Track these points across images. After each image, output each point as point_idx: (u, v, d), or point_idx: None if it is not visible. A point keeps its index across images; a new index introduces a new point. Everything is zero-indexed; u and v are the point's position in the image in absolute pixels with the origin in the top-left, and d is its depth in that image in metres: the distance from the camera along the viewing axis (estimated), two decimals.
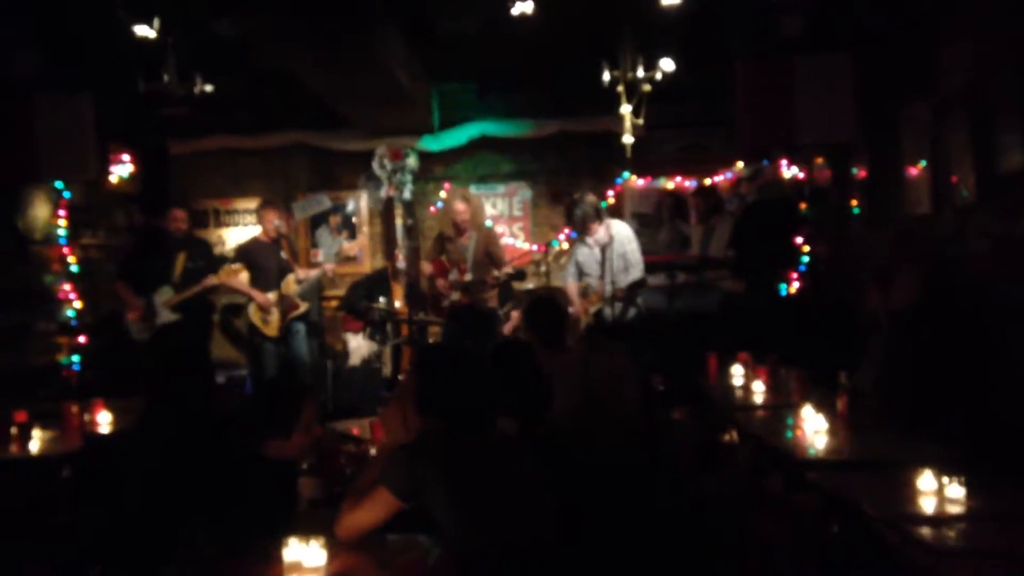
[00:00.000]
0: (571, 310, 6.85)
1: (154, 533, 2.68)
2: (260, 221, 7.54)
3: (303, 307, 7.50)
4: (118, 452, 3.12)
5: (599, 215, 6.69)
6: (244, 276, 7.31)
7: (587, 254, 6.79)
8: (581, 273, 6.94)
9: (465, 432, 2.57)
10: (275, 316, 7.29)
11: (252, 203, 9.22)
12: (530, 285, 8.45)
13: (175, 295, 6.88)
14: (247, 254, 7.38)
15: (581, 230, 6.71)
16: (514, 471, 2.58)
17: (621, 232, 6.85)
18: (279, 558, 2.38)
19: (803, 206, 7.24)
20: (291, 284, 7.33)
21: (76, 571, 2.83)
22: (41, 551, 2.86)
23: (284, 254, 7.43)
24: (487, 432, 2.61)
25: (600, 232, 6.64)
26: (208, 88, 6.42)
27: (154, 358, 3.34)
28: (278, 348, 7.38)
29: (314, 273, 7.81)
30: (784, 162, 7.59)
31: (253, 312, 7.28)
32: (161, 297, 6.86)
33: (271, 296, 7.24)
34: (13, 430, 4.13)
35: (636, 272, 6.73)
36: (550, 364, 3.48)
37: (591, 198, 6.78)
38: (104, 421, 4.51)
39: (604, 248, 6.58)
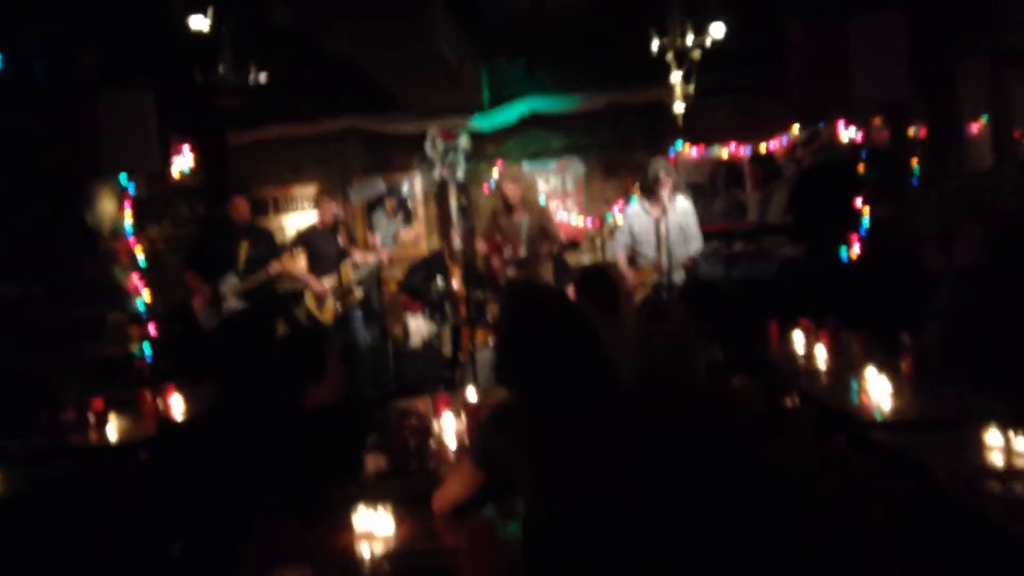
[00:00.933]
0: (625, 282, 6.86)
1: (230, 509, 2.77)
2: (318, 208, 7.66)
3: (358, 293, 7.60)
4: (193, 433, 3.23)
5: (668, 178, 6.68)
6: (302, 263, 7.43)
7: (646, 222, 6.72)
8: (633, 243, 6.89)
9: (542, 403, 2.54)
10: (330, 302, 7.40)
11: (309, 189, 9.38)
12: (586, 259, 8.46)
13: (240, 283, 7.02)
14: (306, 240, 7.50)
15: (651, 192, 6.66)
16: (601, 441, 2.52)
17: (682, 204, 6.81)
18: (351, 526, 2.47)
19: (861, 168, 7.11)
20: (348, 271, 7.44)
21: (159, 548, 2.94)
22: (125, 530, 2.98)
23: (342, 240, 7.53)
24: (571, 402, 2.55)
25: (664, 199, 6.63)
26: (262, 77, 6.55)
27: (225, 344, 3.46)
28: (335, 334, 7.49)
29: (371, 259, 7.90)
30: (841, 124, 7.46)
31: (309, 299, 7.41)
32: (227, 285, 7.01)
33: (326, 282, 7.35)
34: (91, 418, 4.28)
35: (696, 244, 6.71)
36: (606, 330, 3.50)
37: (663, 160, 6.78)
38: (177, 407, 4.65)
39: (661, 217, 6.56)
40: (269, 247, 7.32)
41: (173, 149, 7.81)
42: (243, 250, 7.07)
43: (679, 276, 6.73)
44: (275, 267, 7.11)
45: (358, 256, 7.71)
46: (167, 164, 7.44)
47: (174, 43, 6.04)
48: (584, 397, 2.54)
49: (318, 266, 7.38)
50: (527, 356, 2.59)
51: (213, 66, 6.27)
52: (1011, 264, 4.27)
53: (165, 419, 4.42)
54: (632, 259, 6.91)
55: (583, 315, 2.84)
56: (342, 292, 7.41)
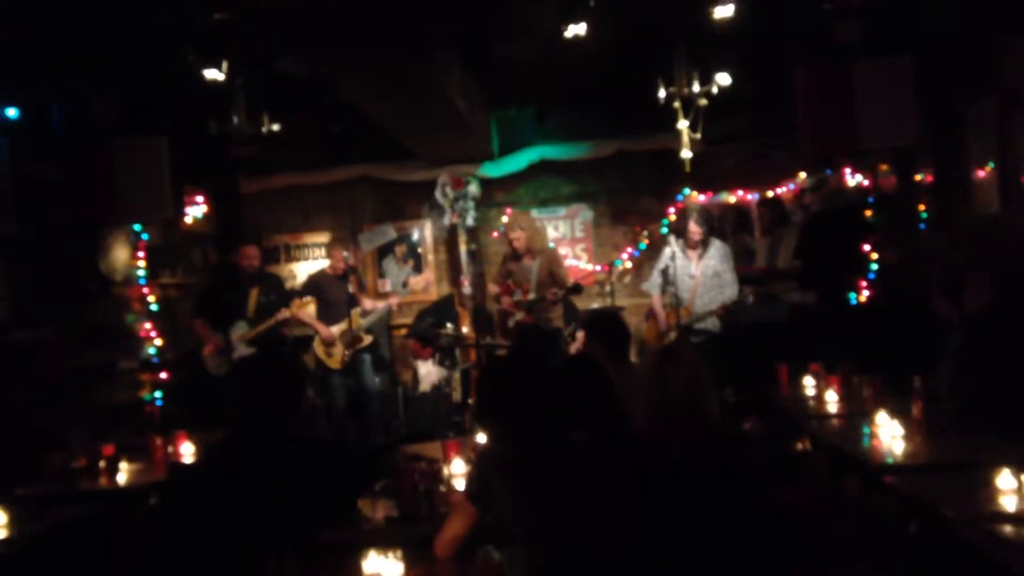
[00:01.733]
0: (657, 322, 6.99)
1: (243, 551, 2.77)
2: (329, 255, 7.70)
3: (367, 340, 7.61)
4: (203, 476, 3.23)
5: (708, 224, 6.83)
6: (311, 309, 7.45)
7: (680, 265, 6.78)
8: (666, 284, 6.92)
9: (523, 440, 2.58)
10: (339, 349, 7.41)
11: (321, 237, 9.46)
12: (595, 304, 8.47)
13: (250, 330, 7.05)
14: (316, 287, 7.53)
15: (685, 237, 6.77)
16: (590, 479, 2.56)
17: (718, 249, 6.90)
18: (360, 572, 2.46)
19: (869, 213, 7.13)
20: (356, 318, 7.46)
21: None
22: (135, 573, 2.98)
23: (351, 287, 7.57)
24: (553, 441, 2.61)
25: (698, 247, 6.76)
26: (276, 127, 6.65)
27: (235, 389, 3.46)
28: (344, 380, 7.49)
29: (381, 305, 7.91)
30: (848, 170, 7.50)
31: (317, 345, 7.42)
32: (236, 332, 7.05)
33: (335, 329, 7.36)
34: (102, 463, 4.30)
35: (731, 291, 6.78)
36: (616, 376, 3.50)
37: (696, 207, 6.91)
38: (187, 452, 4.67)
39: (699, 260, 6.70)
40: (279, 293, 7.37)
41: (187, 198, 7.90)
42: (252, 297, 7.12)
43: (712, 322, 6.78)
44: (283, 314, 7.14)
45: (367, 303, 7.73)
46: (181, 212, 7.52)
47: (189, 93, 6.14)
48: (558, 438, 2.59)
49: (327, 313, 7.41)
50: (497, 396, 2.65)
51: (227, 116, 6.37)
52: (1020, 308, 4.27)
53: (175, 463, 4.44)
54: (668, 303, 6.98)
55: (591, 359, 2.87)
56: (350, 339, 7.43)
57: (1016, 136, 4.78)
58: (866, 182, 7.33)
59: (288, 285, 8.74)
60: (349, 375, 7.54)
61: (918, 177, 6.39)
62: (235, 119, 6.40)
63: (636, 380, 3.65)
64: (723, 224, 8.44)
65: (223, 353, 6.97)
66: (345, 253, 7.51)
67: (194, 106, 6.57)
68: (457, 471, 3.68)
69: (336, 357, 7.41)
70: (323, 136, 8.97)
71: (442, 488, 3.46)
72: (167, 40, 5.60)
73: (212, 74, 5.66)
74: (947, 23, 5.66)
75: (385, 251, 9.52)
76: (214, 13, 5.04)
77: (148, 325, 7.31)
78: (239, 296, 7.09)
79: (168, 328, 7.54)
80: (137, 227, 7.23)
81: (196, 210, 8.14)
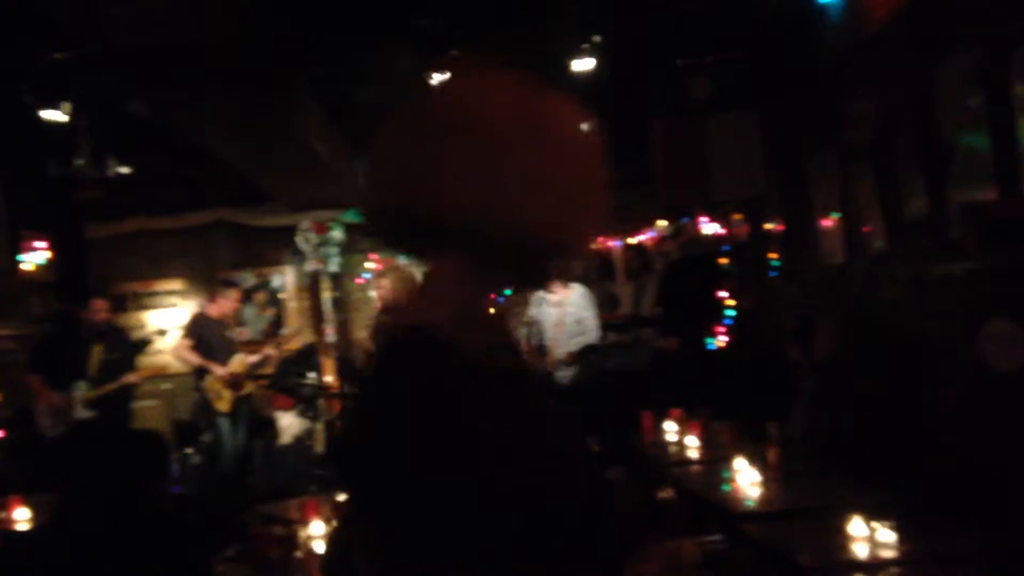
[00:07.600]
0: None
1: None
2: (218, 297, 7.31)
3: (248, 388, 7.29)
4: (35, 544, 2.96)
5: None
6: (191, 354, 7.01)
7: (546, 313, 6.82)
8: (531, 332, 6.94)
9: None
10: (227, 392, 7.07)
11: (173, 284, 9.09)
12: None
13: (92, 390, 6.63)
14: (199, 327, 7.14)
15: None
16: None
17: (583, 297, 6.93)
18: None
19: (724, 261, 7.37)
20: (242, 363, 7.14)
21: None
22: None
23: (230, 333, 7.25)
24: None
25: (561, 293, 6.78)
26: (122, 169, 6.36)
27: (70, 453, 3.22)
28: (230, 424, 7.14)
29: (255, 359, 7.53)
30: (703, 219, 7.75)
31: (212, 383, 7.01)
32: (77, 392, 6.61)
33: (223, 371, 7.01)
34: None
35: (590, 337, 6.81)
36: None
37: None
38: (21, 518, 4.30)
39: (558, 308, 6.71)
40: (124, 350, 6.97)
41: (25, 244, 7.42)
42: (96, 355, 6.70)
43: (573, 369, 6.77)
44: (130, 378, 6.76)
45: (250, 357, 7.37)
46: (16, 260, 7.05)
47: (26, 134, 5.79)
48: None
49: (208, 356, 7.03)
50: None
51: (69, 158, 6.04)
52: (866, 354, 4.45)
53: (6, 531, 4.10)
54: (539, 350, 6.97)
55: None
56: (236, 383, 7.09)
57: (856, 188, 5.02)
58: (721, 230, 7.58)
59: (137, 336, 8.28)
60: (234, 420, 7.16)
61: (769, 227, 6.65)
62: (78, 161, 6.08)
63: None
64: (588, 271, 8.56)
65: (59, 413, 6.52)
66: (233, 294, 7.17)
67: (33, 147, 6.20)
68: (316, 533, 3.51)
69: (225, 399, 7.04)
70: (176, 178, 8.63)
71: (298, 554, 3.28)
72: (1, 80, 5.27)
73: (52, 115, 5.37)
74: (791, 81, 5.94)
75: (244, 298, 9.18)
76: (54, 52, 4.76)
77: None
78: (80, 352, 6.66)
79: (2, 383, 7.02)
80: None
81: (36, 257, 7.64)
